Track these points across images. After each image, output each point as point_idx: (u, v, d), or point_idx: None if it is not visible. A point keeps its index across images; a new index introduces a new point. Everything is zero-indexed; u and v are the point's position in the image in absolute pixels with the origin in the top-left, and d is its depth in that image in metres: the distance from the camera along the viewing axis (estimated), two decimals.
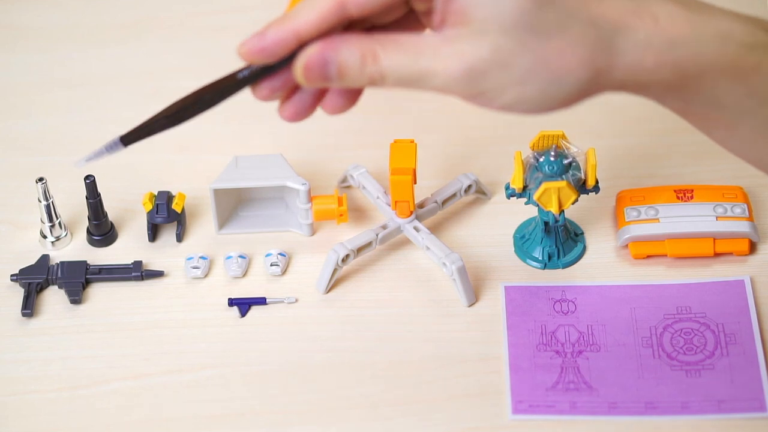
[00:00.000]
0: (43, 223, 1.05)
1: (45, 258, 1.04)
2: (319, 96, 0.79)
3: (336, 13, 0.75)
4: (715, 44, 0.75)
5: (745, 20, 0.77)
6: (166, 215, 1.05)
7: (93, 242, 1.06)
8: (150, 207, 1.05)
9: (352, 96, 0.80)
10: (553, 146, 0.97)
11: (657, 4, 0.75)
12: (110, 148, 0.83)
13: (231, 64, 1.20)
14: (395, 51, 0.74)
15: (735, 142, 0.82)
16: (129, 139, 0.82)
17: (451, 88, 0.74)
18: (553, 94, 0.74)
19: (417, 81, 0.74)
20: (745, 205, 1.03)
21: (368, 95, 1.15)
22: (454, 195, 1.06)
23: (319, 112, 1.15)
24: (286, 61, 0.76)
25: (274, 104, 1.18)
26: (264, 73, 0.77)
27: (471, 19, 0.73)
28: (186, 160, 1.12)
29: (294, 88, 0.79)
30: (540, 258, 1.03)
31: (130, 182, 1.10)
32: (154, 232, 1.06)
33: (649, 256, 1.03)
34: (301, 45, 0.76)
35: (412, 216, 1.03)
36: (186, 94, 0.79)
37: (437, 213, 1.06)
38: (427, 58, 0.74)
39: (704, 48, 0.75)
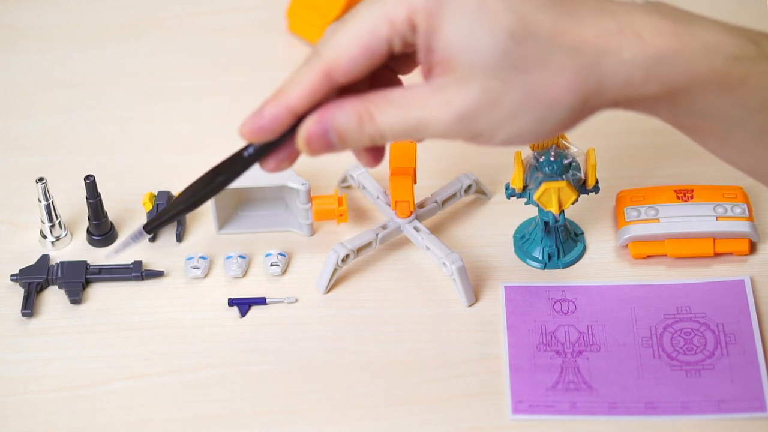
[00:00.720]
0: (43, 223, 1.05)
1: (45, 258, 1.04)
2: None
3: (324, 84, 0.77)
4: (701, 57, 0.76)
5: (732, 31, 0.77)
6: None
7: (93, 242, 1.06)
8: (150, 207, 1.05)
9: (378, 151, 0.84)
10: (553, 146, 0.97)
11: (640, 19, 0.75)
12: (135, 237, 0.90)
13: (230, 64, 1.20)
14: (388, 108, 0.76)
15: (727, 152, 0.82)
16: (151, 227, 0.88)
17: (447, 135, 0.76)
18: (547, 123, 0.75)
19: (414, 132, 0.76)
20: (745, 205, 1.03)
21: None
22: (454, 195, 1.06)
23: None
24: (287, 134, 0.79)
25: None
26: (268, 148, 0.80)
27: (455, 66, 0.74)
28: (186, 160, 1.12)
29: (296, 156, 0.81)
30: (540, 258, 1.03)
31: (130, 182, 1.10)
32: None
33: (649, 256, 1.03)
34: (298, 118, 0.78)
35: (412, 216, 1.03)
36: (198, 179, 0.84)
37: (437, 213, 1.06)
38: (418, 110, 0.76)
39: (690, 61, 0.75)
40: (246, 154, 0.81)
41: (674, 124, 0.80)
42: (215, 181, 0.83)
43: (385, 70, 0.83)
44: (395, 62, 0.82)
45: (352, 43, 0.76)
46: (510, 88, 0.74)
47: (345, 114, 0.77)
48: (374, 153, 0.83)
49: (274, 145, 0.80)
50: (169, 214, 0.86)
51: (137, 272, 1.03)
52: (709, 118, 0.78)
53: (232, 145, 1.13)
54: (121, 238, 0.90)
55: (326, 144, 0.78)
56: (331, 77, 0.77)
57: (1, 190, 1.11)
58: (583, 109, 0.76)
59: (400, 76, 0.84)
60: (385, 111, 0.76)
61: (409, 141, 0.80)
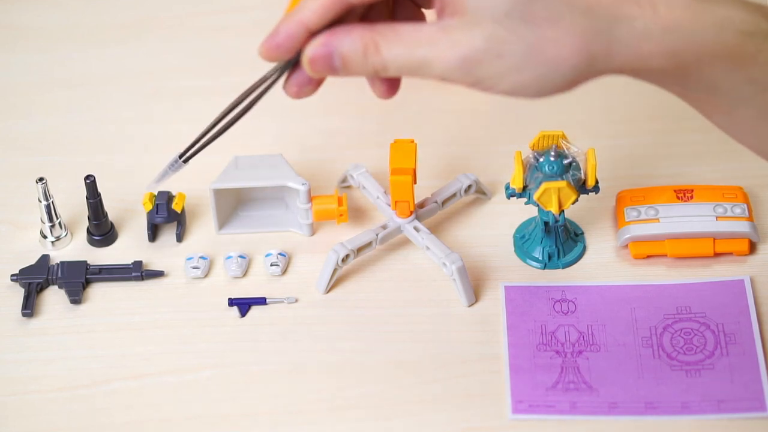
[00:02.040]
0: (43, 223, 1.05)
1: (45, 258, 1.04)
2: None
3: (339, 2, 0.78)
4: (714, 32, 0.76)
5: (746, 7, 0.77)
6: (166, 215, 1.05)
7: (93, 242, 1.06)
8: (150, 207, 1.05)
9: (392, 83, 0.83)
10: (553, 146, 0.97)
11: None
12: (172, 166, 0.91)
13: (230, 64, 1.20)
14: (395, 41, 0.76)
15: (734, 128, 0.82)
16: (186, 155, 0.90)
17: (449, 77, 0.76)
18: (550, 80, 0.75)
19: (417, 70, 0.77)
20: (745, 205, 1.03)
21: (368, 95, 1.15)
22: (454, 195, 1.06)
23: (318, 110, 1.15)
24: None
25: (273, 104, 1.19)
26: (287, 68, 0.81)
27: (466, 9, 0.75)
28: None
29: (318, 82, 0.82)
30: (540, 258, 1.03)
31: (130, 182, 1.10)
32: (154, 232, 1.06)
33: (649, 256, 1.03)
34: (312, 36, 0.79)
35: (412, 216, 1.03)
36: (227, 106, 0.86)
37: (437, 213, 1.06)
38: (424, 48, 0.76)
39: (702, 36, 0.75)
40: (268, 75, 0.83)
41: (682, 97, 0.80)
42: (243, 102, 0.85)
43: (409, 3, 0.83)
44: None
45: None
46: (516, 39, 0.74)
47: (351, 40, 0.77)
48: (389, 84, 0.83)
49: (293, 65, 0.81)
50: (202, 139, 0.88)
51: (137, 272, 1.03)
52: (718, 93, 0.78)
53: (232, 145, 1.13)
54: (159, 173, 0.93)
55: (329, 67, 0.78)
56: None
57: (1, 190, 1.11)
58: (587, 72, 0.76)
59: (425, 11, 0.84)
60: (391, 44, 0.77)
61: (414, 77, 0.78)
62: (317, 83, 0.82)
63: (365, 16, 0.81)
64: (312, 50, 0.79)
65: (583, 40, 0.74)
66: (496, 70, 0.75)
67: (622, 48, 0.75)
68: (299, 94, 0.82)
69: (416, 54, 0.76)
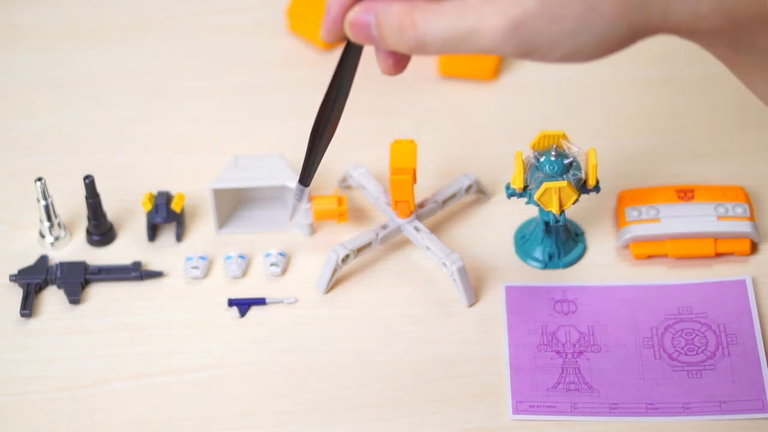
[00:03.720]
0: (42, 223, 1.05)
1: (44, 258, 1.04)
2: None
3: None
4: None
5: None
6: (165, 215, 1.05)
7: (92, 242, 1.06)
8: (149, 207, 1.05)
9: (399, 60, 0.79)
10: (554, 146, 0.97)
11: None
12: (299, 197, 0.90)
13: (230, 64, 1.20)
14: (435, 15, 0.73)
15: None
16: (306, 178, 0.87)
17: (498, 48, 0.72)
18: (607, 41, 0.73)
19: (461, 43, 0.73)
20: (747, 205, 1.03)
21: (368, 95, 1.16)
22: (454, 195, 1.06)
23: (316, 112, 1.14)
24: None
25: (273, 104, 1.19)
26: (357, 48, 0.78)
27: None
28: (186, 160, 1.12)
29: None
30: (540, 258, 1.03)
31: (129, 182, 1.10)
32: (153, 232, 1.06)
33: (650, 256, 1.03)
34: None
35: (412, 216, 1.03)
36: (318, 110, 0.82)
37: (437, 213, 1.06)
38: (469, 19, 0.72)
39: None
40: (341, 60, 0.79)
41: (730, 62, 0.79)
42: (330, 100, 0.81)
43: None
44: None
45: None
46: (571, 1, 0.71)
47: (388, 16, 0.74)
48: (395, 59, 0.78)
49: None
50: (313, 154, 0.85)
51: (136, 272, 1.03)
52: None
53: (232, 145, 1.13)
54: (289, 205, 0.91)
55: (367, 37, 0.75)
56: None
57: (1, 190, 1.11)
58: (644, 30, 0.73)
59: None
60: (431, 18, 0.73)
61: (458, 53, 0.75)
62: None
63: None
64: (352, 15, 0.75)
65: None
66: (551, 37, 0.72)
67: (679, 5, 0.73)
68: (397, 66, 0.78)
69: (460, 26, 0.72)
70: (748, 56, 0.77)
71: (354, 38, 0.76)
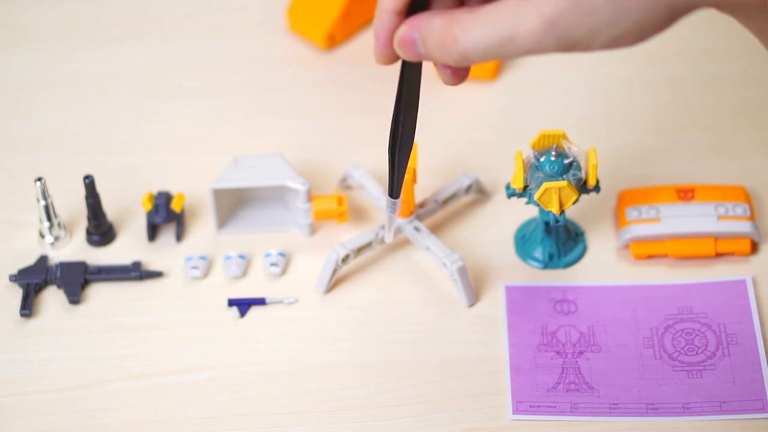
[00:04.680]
0: (42, 223, 1.05)
1: (44, 258, 1.04)
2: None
3: None
4: None
5: None
6: (165, 215, 1.05)
7: (92, 242, 1.06)
8: (149, 207, 1.05)
9: (457, 70, 0.80)
10: (554, 146, 0.97)
11: None
12: (392, 209, 0.92)
13: (230, 64, 1.20)
14: (473, 26, 0.74)
15: None
16: (394, 191, 0.90)
17: (539, 48, 0.73)
18: (647, 24, 0.72)
19: (502, 50, 0.73)
20: (747, 205, 1.03)
21: (368, 95, 1.15)
22: (454, 195, 1.06)
23: (318, 110, 1.14)
24: None
25: (273, 104, 1.18)
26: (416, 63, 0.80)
27: None
28: (186, 160, 1.12)
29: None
30: (541, 258, 1.03)
31: (129, 182, 1.10)
32: (153, 232, 1.06)
33: (650, 257, 1.03)
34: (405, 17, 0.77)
35: (412, 216, 1.03)
36: (391, 125, 0.85)
37: (437, 213, 1.06)
38: (506, 24, 0.72)
39: None
40: (402, 79, 0.81)
41: (763, 33, 0.78)
42: (400, 116, 0.84)
43: None
44: None
45: None
46: None
47: (430, 32, 0.75)
48: (453, 71, 0.80)
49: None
50: (399, 166, 0.88)
51: (136, 272, 1.03)
52: None
53: (232, 145, 1.13)
54: (384, 220, 0.94)
55: (416, 53, 0.77)
56: None
57: (1, 190, 1.11)
58: (683, 7, 0.73)
59: None
60: (470, 30, 0.74)
61: (503, 58, 0.77)
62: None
63: None
64: (399, 35, 0.76)
65: None
66: (588, 29, 0.72)
67: None
68: (456, 76, 0.80)
69: (498, 33, 0.73)
70: None
71: (406, 57, 0.77)
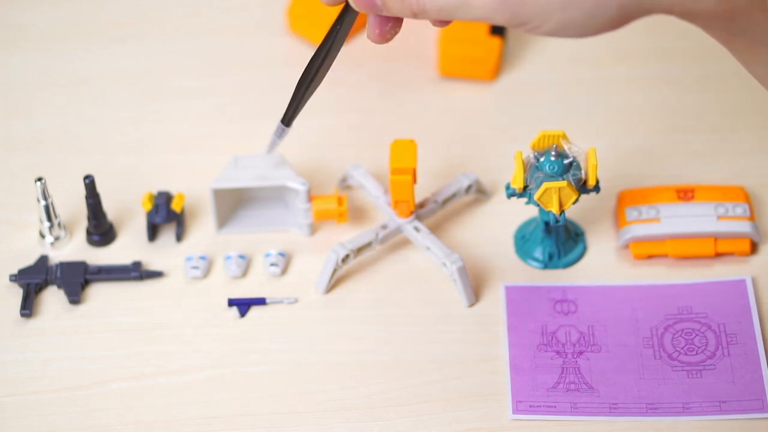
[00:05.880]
0: (42, 223, 1.05)
1: (44, 258, 1.04)
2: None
3: None
4: None
5: None
6: (165, 215, 1.05)
7: (92, 242, 1.06)
8: (149, 207, 1.05)
9: (389, 27, 0.83)
10: (554, 146, 0.97)
11: None
12: (279, 134, 0.96)
13: (230, 64, 1.20)
14: None
15: None
16: (290, 119, 0.95)
17: (491, 18, 0.75)
18: (596, 19, 0.74)
19: (456, 11, 0.76)
20: (747, 205, 1.03)
21: (368, 95, 1.15)
22: (454, 195, 1.06)
23: (318, 110, 1.15)
24: None
25: (273, 104, 1.18)
26: (351, 14, 0.84)
27: None
28: (186, 160, 1.12)
29: (399, 19, 0.82)
30: (540, 258, 1.03)
31: (129, 182, 1.10)
32: (153, 232, 1.06)
33: (650, 256, 1.03)
34: None
35: (412, 216, 1.03)
36: (312, 57, 0.89)
37: (437, 213, 1.06)
38: None
39: None
40: (337, 23, 0.85)
41: (726, 44, 0.79)
42: (320, 53, 0.88)
43: None
44: None
45: None
46: None
47: None
48: (381, 31, 0.83)
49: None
50: (303, 99, 0.91)
51: (136, 272, 1.03)
52: (764, 43, 0.77)
53: (232, 145, 1.13)
54: (268, 144, 0.98)
55: (370, 4, 0.79)
56: None
57: (1, 190, 1.11)
58: (635, 10, 0.74)
59: None
60: None
61: (455, 19, 0.79)
62: (396, 22, 0.82)
63: None
64: None
65: None
66: (540, 9, 0.74)
67: None
68: (383, 36, 0.82)
69: None
70: (744, 40, 0.77)
71: (357, 7, 0.80)
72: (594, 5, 0.74)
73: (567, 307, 1.00)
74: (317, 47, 0.89)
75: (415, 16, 0.78)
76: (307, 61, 0.90)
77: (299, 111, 0.93)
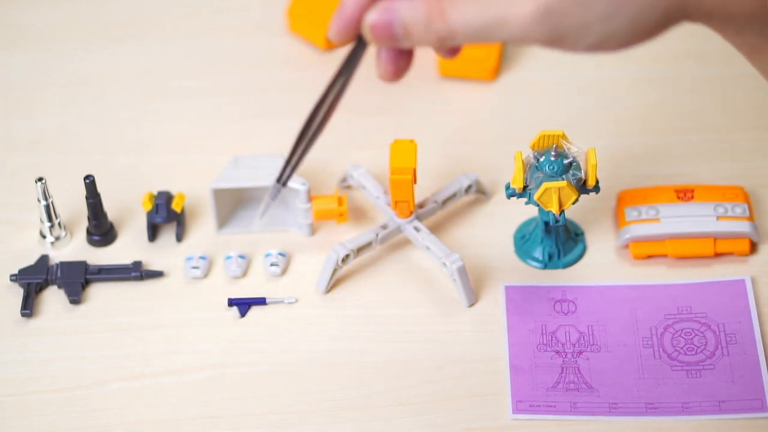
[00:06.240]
0: (43, 223, 1.05)
1: (44, 258, 1.04)
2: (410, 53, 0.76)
3: None
4: None
5: None
6: (165, 215, 1.05)
7: (92, 242, 1.06)
8: (149, 207, 1.05)
9: (403, 62, 0.76)
10: (554, 146, 0.97)
11: None
12: (273, 196, 0.83)
13: (230, 64, 1.20)
14: (464, 3, 0.71)
15: None
16: (283, 177, 0.81)
17: (528, 36, 0.70)
18: (639, 26, 0.71)
19: (489, 32, 0.71)
20: (746, 205, 1.03)
21: (368, 95, 1.15)
22: (454, 195, 1.06)
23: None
24: None
25: (273, 104, 1.18)
26: (362, 49, 0.75)
27: None
28: (186, 160, 1.12)
29: (412, 51, 0.76)
30: (540, 258, 1.03)
31: (129, 182, 1.10)
32: (153, 232, 1.06)
33: (649, 256, 1.03)
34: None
35: (412, 216, 1.03)
36: (310, 112, 0.78)
37: (437, 213, 1.06)
38: (497, 6, 0.70)
39: None
40: (344, 63, 0.76)
41: (755, 49, 0.77)
42: (325, 102, 0.78)
43: None
44: None
45: None
46: None
47: (413, 6, 0.72)
48: (396, 67, 0.76)
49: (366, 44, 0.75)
50: (295, 154, 0.79)
51: (137, 272, 1.03)
52: None
53: (232, 145, 1.13)
54: (261, 205, 0.86)
55: (390, 36, 0.72)
56: None
57: (1, 190, 1.11)
58: (677, 15, 0.71)
59: None
60: (459, 6, 0.71)
61: (486, 42, 0.72)
62: (410, 55, 0.75)
63: None
64: (373, 17, 0.72)
65: None
66: (581, 22, 0.70)
67: None
68: (397, 73, 0.75)
69: (488, 14, 0.70)
70: None
71: (373, 39, 0.73)
72: (637, 11, 0.70)
73: (567, 307, 1.00)
74: (319, 97, 0.79)
75: (442, 42, 0.71)
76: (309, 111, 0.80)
77: (297, 169, 0.81)
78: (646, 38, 0.72)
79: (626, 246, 1.04)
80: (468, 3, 0.71)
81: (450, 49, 0.77)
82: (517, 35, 0.71)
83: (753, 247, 1.03)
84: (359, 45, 0.75)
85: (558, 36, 0.71)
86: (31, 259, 1.04)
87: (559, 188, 0.96)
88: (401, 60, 0.76)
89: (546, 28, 0.70)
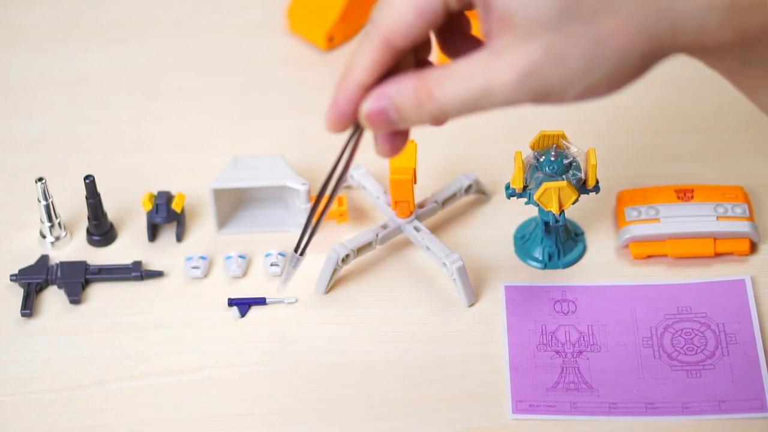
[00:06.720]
0: (43, 223, 1.05)
1: (44, 258, 1.04)
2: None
3: (386, 52, 0.75)
4: None
5: None
6: (165, 215, 1.05)
7: (92, 242, 1.06)
8: (150, 207, 1.05)
9: (399, 141, 0.80)
10: (554, 146, 0.97)
11: None
12: (294, 264, 0.96)
13: (230, 64, 1.20)
14: (448, 81, 0.73)
15: None
16: (301, 247, 0.95)
17: (515, 99, 0.72)
18: (621, 73, 0.72)
19: (478, 103, 0.73)
20: (746, 205, 1.03)
21: None
22: (454, 195, 1.06)
23: (318, 111, 1.14)
24: None
25: (273, 104, 1.19)
26: (359, 132, 0.79)
27: (514, 24, 0.71)
28: (186, 160, 1.12)
29: (405, 133, 0.79)
30: (540, 258, 1.03)
31: (129, 182, 1.10)
32: (153, 232, 1.06)
33: (649, 256, 1.03)
34: (368, 91, 0.77)
35: (412, 216, 1.03)
36: (323, 184, 0.84)
37: (437, 213, 1.06)
38: (480, 78, 0.72)
39: (766, 10, 0.73)
40: (345, 149, 0.80)
41: (736, 74, 0.78)
42: (338, 177, 0.83)
43: (461, 35, 0.79)
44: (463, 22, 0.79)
45: (406, 8, 0.74)
46: (576, 41, 0.71)
47: (402, 92, 0.74)
48: (392, 146, 0.80)
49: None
50: (310, 225, 0.91)
51: (137, 272, 1.03)
52: None
53: (232, 145, 1.13)
54: (283, 275, 0.98)
55: (387, 121, 0.76)
56: (391, 45, 0.75)
57: (1, 190, 1.11)
58: (655, 56, 0.72)
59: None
60: (444, 85, 0.73)
61: (478, 112, 0.75)
62: (405, 134, 0.79)
63: (420, 59, 0.79)
64: (367, 107, 0.76)
65: (646, 22, 0.71)
66: (562, 79, 0.71)
67: (687, 25, 0.72)
68: (394, 151, 0.79)
69: (474, 86, 0.72)
70: (754, 69, 0.76)
71: (371, 127, 0.77)
72: (616, 61, 0.71)
73: (566, 307, 1.00)
74: (326, 177, 0.84)
75: (437, 120, 0.75)
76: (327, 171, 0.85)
77: (312, 238, 0.93)
78: (631, 80, 0.73)
79: (626, 246, 1.04)
80: (452, 79, 0.73)
81: (391, 145, 0.80)
82: (504, 101, 0.73)
83: (753, 247, 1.03)
84: (357, 130, 0.79)
85: (543, 94, 0.72)
86: (31, 259, 1.04)
87: (559, 188, 0.96)
88: (398, 139, 0.79)
89: (530, 89, 0.72)
